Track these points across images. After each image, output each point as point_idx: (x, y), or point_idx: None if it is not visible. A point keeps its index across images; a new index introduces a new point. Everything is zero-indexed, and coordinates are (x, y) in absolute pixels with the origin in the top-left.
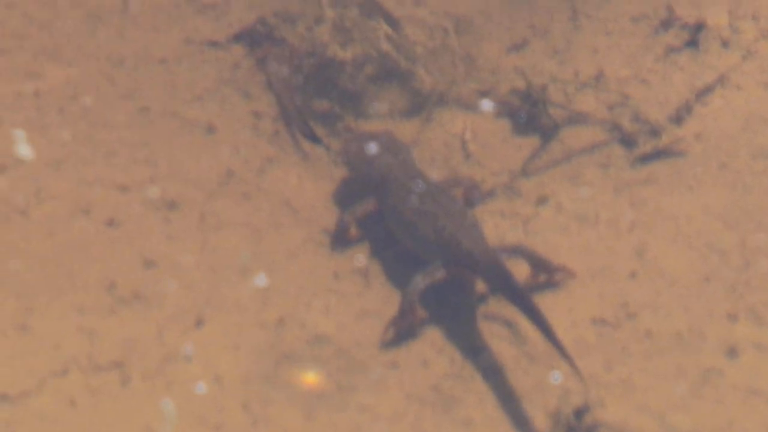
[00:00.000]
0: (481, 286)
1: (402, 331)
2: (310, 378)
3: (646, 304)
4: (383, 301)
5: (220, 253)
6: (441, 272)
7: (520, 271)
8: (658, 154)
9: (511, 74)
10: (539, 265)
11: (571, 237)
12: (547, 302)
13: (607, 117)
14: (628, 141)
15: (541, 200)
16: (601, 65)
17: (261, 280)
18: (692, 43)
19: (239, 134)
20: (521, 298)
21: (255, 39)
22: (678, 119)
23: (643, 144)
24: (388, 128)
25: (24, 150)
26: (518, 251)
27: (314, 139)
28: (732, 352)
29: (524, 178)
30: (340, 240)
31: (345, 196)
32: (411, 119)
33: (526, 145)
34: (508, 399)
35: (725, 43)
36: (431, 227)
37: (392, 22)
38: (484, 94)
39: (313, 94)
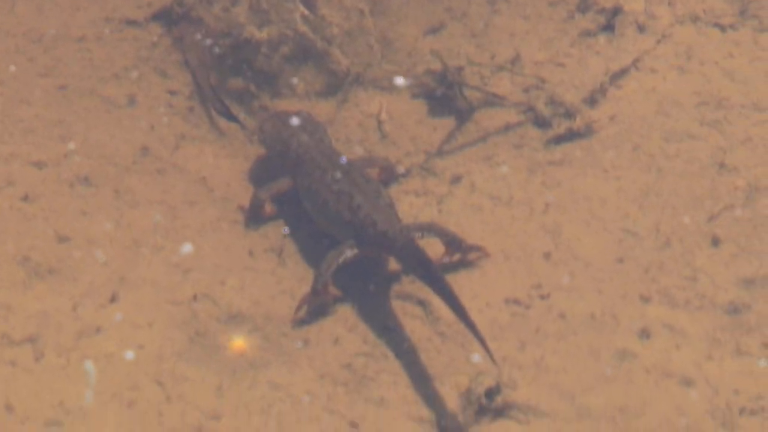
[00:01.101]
0: (394, 265)
1: (314, 309)
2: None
3: (559, 286)
4: (297, 279)
5: (134, 229)
6: (354, 251)
7: (434, 250)
8: (572, 136)
9: (428, 56)
10: (453, 244)
11: (484, 216)
12: (460, 282)
13: (522, 99)
14: (542, 123)
15: (456, 180)
16: (517, 48)
17: (186, 248)
18: (608, 27)
19: (155, 111)
20: (435, 278)
21: (172, 18)
22: (592, 102)
23: (557, 126)
24: (304, 108)
25: None
26: (432, 230)
27: (229, 116)
28: (644, 334)
29: (439, 158)
30: (254, 218)
31: (260, 175)
32: (327, 99)
33: (441, 126)
34: (420, 379)
35: (641, 28)
36: (346, 207)
37: (309, 3)
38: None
39: (229, 73)
